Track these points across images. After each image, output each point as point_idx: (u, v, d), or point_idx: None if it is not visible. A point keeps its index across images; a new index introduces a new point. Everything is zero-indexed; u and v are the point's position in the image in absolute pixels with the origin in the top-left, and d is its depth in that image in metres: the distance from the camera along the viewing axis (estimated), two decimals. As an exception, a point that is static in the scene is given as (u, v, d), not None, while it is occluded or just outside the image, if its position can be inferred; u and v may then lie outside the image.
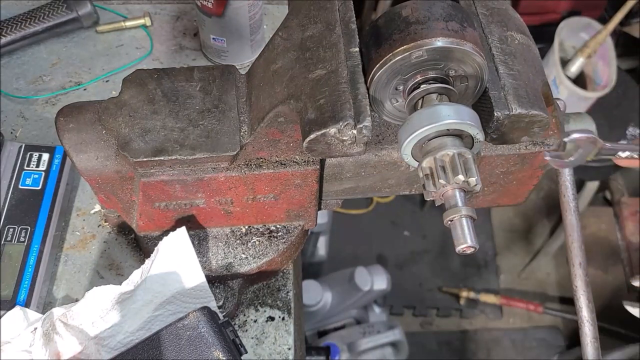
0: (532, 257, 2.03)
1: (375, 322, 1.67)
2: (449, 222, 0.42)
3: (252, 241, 0.65)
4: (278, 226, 0.66)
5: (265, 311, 0.69)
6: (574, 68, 1.93)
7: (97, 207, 0.74)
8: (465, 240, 0.41)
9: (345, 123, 0.45)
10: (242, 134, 0.56)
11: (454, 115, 0.43)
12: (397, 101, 0.50)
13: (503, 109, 0.48)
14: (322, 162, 0.59)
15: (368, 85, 0.47)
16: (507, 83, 0.49)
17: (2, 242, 0.67)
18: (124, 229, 0.73)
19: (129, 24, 0.93)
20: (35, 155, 0.73)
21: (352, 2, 0.52)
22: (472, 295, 1.95)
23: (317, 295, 1.58)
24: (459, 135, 0.45)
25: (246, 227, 0.65)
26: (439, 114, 0.44)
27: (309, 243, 1.64)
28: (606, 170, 1.61)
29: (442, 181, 0.43)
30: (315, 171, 0.59)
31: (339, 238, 1.94)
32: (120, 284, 0.60)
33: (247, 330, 0.68)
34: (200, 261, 0.60)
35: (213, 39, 0.87)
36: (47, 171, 0.72)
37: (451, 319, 1.97)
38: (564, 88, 1.89)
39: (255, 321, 0.68)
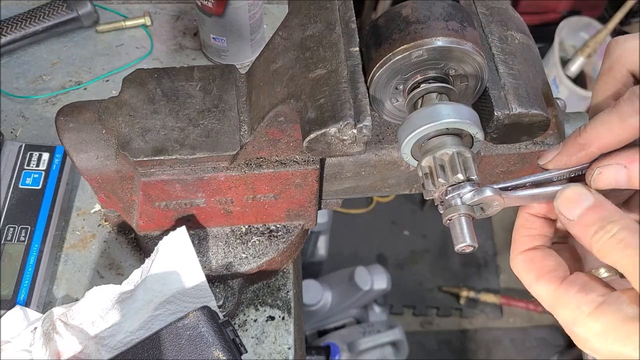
0: (532, 256, 2.03)
1: (375, 321, 1.67)
2: (448, 221, 0.42)
3: (252, 241, 0.65)
4: (278, 226, 0.66)
5: (265, 311, 0.69)
6: (574, 67, 1.93)
7: (97, 207, 0.74)
8: (464, 239, 0.41)
9: (346, 122, 0.45)
10: (242, 133, 0.56)
11: (453, 115, 0.43)
12: (397, 100, 0.50)
13: (503, 108, 0.48)
14: (322, 162, 0.59)
15: (368, 84, 0.47)
16: (507, 82, 0.49)
17: (2, 242, 0.67)
18: (124, 229, 0.73)
19: (129, 23, 0.93)
20: (36, 154, 0.73)
21: (352, 1, 0.52)
22: (472, 294, 1.95)
23: (317, 294, 1.58)
24: (458, 134, 0.45)
25: (246, 226, 0.65)
26: (439, 113, 0.44)
27: (309, 242, 1.64)
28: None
29: (441, 180, 0.43)
30: (316, 171, 0.59)
31: (339, 238, 1.94)
32: (120, 283, 0.60)
33: (247, 330, 0.68)
34: (200, 260, 0.60)
35: (213, 38, 0.87)
36: (47, 171, 0.72)
37: (451, 318, 1.97)
38: (564, 87, 1.89)
39: (255, 321, 0.68)
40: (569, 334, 0.38)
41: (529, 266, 0.41)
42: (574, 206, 0.38)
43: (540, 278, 0.40)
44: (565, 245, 0.45)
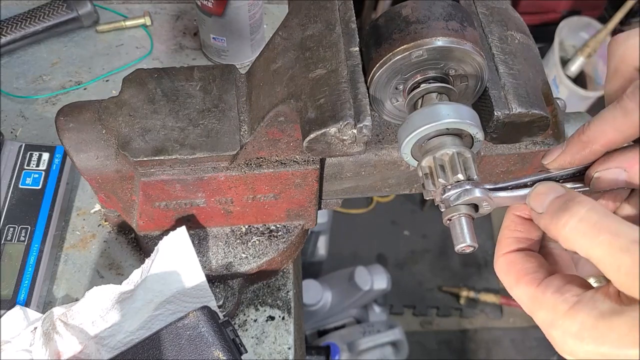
0: (532, 256, 2.03)
1: (375, 321, 1.67)
2: (448, 222, 0.42)
3: (252, 241, 0.65)
4: (278, 226, 0.66)
5: (265, 311, 0.69)
6: (574, 67, 1.93)
7: (97, 207, 0.74)
8: (464, 240, 0.41)
9: (346, 122, 0.45)
10: (242, 133, 0.56)
11: (453, 115, 0.43)
12: (397, 100, 0.50)
13: (503, 108, 0.48)
14: (322, 162, 0.59)
15: (368, 84, 0.47)
16: (507, 82, 0.49)
17: (2, 242, 0.67)
18: (124, 229, 0.73)
19: (129, 23, 0.93)
20: (36, 154, 0.73)
21: (352, 1, 0.52)
22: (472, 294, 1.95)
23: (317, 294, 1.58)
24: (458, 134, 0.45)
25: (246, 226, 0.65)
26: (439, 113, 0.44)
27: (309, 242, 1.64)
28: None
29: (441, 180, 0.43)
30: (316, 171, 0.59)
31: (339, 238, 1.94)
32: (120, 283, 0.60)
33: (247, 330, 0.68)
34: (200, 260, 0.60)
35: (213, 38, 0.87)
36: (47, 171, 0.72)
37: (451, 318, 1.97)
38: (564, 87, 1.89)
39: (255, 321, 0.68)
40: (549, 339, 0.36)
41: (509, 268, 0.39)
42: (544, 199, 0.36)
43: (520, 280, 0.38)
44: (554, 253, 0.43)
